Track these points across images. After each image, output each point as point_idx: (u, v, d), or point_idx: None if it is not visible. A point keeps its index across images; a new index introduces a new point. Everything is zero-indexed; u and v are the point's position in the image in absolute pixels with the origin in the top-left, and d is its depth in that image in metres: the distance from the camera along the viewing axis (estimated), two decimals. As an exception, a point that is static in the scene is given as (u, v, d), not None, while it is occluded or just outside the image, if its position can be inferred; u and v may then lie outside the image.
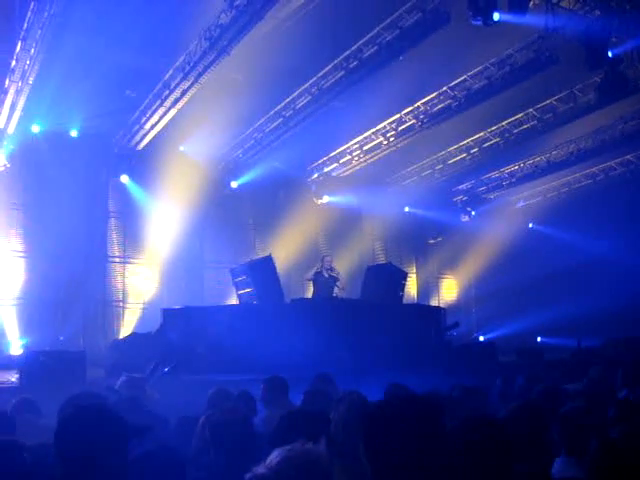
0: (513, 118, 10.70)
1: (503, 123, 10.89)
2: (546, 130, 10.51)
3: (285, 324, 6.94)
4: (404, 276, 9.28)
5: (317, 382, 3.96)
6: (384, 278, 8.82)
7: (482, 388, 3.59)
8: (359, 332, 7.24)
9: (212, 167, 11.58)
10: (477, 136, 11.45)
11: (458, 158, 12.23)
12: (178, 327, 7.43)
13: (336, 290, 8.63)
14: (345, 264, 11.46)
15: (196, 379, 5.84)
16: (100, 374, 6.39)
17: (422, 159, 12.66)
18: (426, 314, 8.59)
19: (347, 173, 12.55)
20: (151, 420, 2.74)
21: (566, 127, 10.38)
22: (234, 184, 11.91)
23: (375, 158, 11.70)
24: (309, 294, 9.18)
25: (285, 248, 11.75)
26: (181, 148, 11.09)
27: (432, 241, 14.49)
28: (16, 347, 9.05)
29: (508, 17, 6.50)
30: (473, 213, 13.97)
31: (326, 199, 12.91)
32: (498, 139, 11.22)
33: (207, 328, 7.22)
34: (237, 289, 8.61)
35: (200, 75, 8.08)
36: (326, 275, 8.63)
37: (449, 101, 9.71)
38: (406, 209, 14.02)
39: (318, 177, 12.85)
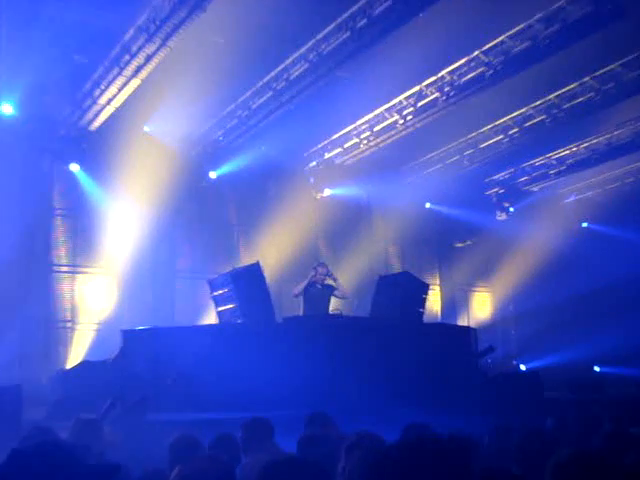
0: (564, 90, 10.47)
1: (550, 96, 10.70)
2: (606, 104, 10.20)
3: (276, 349, 6.99)
4: (425, 289, 9.33)
5: (313, 424, 3.94)
6: (400, 291, 8.86)
7: (524, 431, 3.57)
8: (369, 359, 7.27)
9: (185, 153, 11.67)
10: (517, 113, 11.40)
11: (493, 141, 12.23)
12: (142, 353, 7.47)
13: (335, 301, 8.76)
14: (351, 273, 11.59)
15: (166, 419, 5.87)
16: (41, 414, 6.35)
17: (447, 143, 12.69)
18: (453, 336, 8.61)
19: (354, 160, 12.63)
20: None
21: (632, 100, 10.07)
22: (213, 174, 12.01)
23: (389, 141, 11.74)
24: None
25: (277, 254, 11.84)
26: (146, 129, 11.11)
27: (460, 245, 14.58)
28: None
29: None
30: (511, 210, 14.01)
31: (327, 193, 13.00)
32: (544, 116, 11.08)
33: (179, 354, 7.26)
34: (216, 305, 8.67)
35: (169, 37, 7.95)
36: (319, 286, 8.77)
37: (482, 69, 9.52)
38: (427, 205, 14.12)
39: (318, 165, 12.92)
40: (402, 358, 7.41)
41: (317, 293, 8.75)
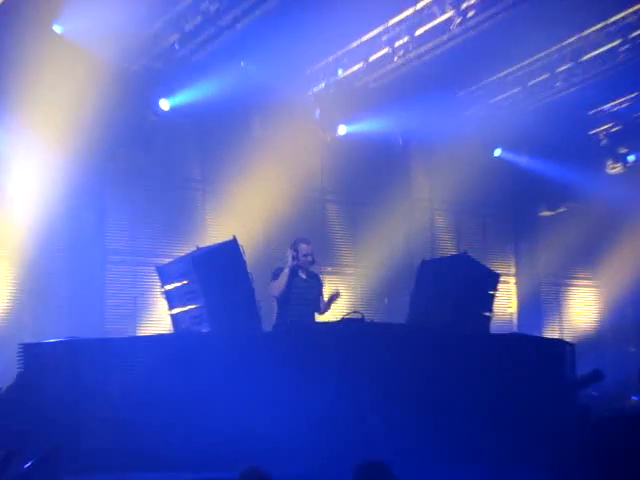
0: None
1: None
2: None
3: (263, 373, 6.90)
4: (494, 281, 9.32)
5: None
6: (454, 284, 8.85)
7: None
8: (406, 387, 7.20)
9: (122, 70, 11.55)
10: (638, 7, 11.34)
11: (603, 49, 12.13)
12: (54, 378, 7.44)
13: (324, 304, 8.95)
14: (378, 257, 11.88)
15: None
16: None
17: (530, 54, 12.69)
18: (536, 354, 8.37)
19: (383, 82, 12.57)
20: None
21: None
22: (165, 104, 12.02)
23: (437, 52, 11.75)
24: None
25: (263, 226, 11.94)
26: (56, 28, 10.88)
27: (548, 214, 14.76)
28: None
29: None
30: (631, 159, 14.14)
31: (342, 131, 13.04)
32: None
33: (112, 381, 7.23)
34: (170, 305, 8.65)
35: None
36: (304, 276, 8.87)
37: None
38: (497, 152, 14.30)
39: (327, 90, 12.91)
40: (456, 388, 7.33)
41: (304, 286, 8.85)
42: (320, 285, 9.04)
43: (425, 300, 8.89)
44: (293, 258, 8.73)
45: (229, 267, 8.40)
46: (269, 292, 8.90)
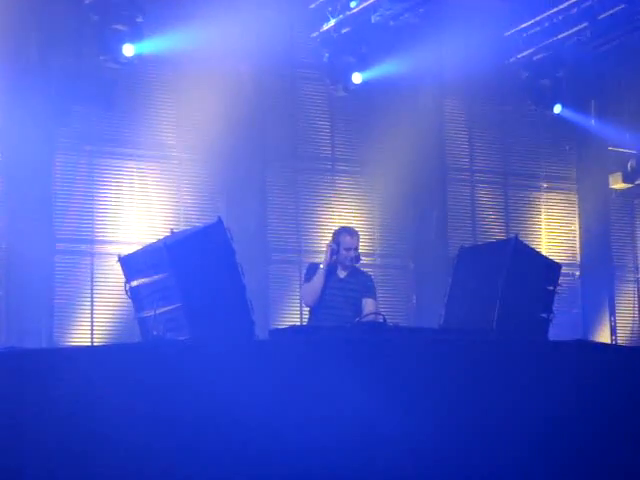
0: None
1: None
2: None
3: (260, 394, 6.60)
4: (553, 272, 9.24)
5: None
6: (502, 276, 8.75)
7: None
8: (440, 415, 7.00)
9: None
10: None
11: None
12: None
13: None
14: (398, 237, 11.94)
15: None
16: None
17: None
18: (616, 369, 8.02)
19: (406, 18, 12.87)
20: None
21: None
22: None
23: None
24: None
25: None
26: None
27: (621, 186, 14.90)
28: None
29: None
30: None
31: (357, 79, 13.08)
32: None
33: (60, 406, 6.63)
34: (137, 306, 8.64)
35: None
36: (342, 274, 8.89)
37: None
38: (557, 109, 14.27)
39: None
40: (511, 414, 7.16)
41: (339, 287, 8.81)
42: (363, 288, 8.86)
43: (464, 298, 8.84)
44: (332, 252, 8.72)
45: (213, 257, 8.34)
46: (301, 299, 9.04)
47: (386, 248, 13.82)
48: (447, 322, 8.80)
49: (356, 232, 9.04)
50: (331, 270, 8.73)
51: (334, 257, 8.72)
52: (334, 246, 8.72)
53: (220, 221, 8.30)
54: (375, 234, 13.80)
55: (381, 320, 8.13)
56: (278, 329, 8.36)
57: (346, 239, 8.82)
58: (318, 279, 8.62)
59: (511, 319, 8.53)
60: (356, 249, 8.83)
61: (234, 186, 13.18)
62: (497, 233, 13.91)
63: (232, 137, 12.86)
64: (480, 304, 8.70)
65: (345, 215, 13.73)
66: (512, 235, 10.66)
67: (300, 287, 8.93)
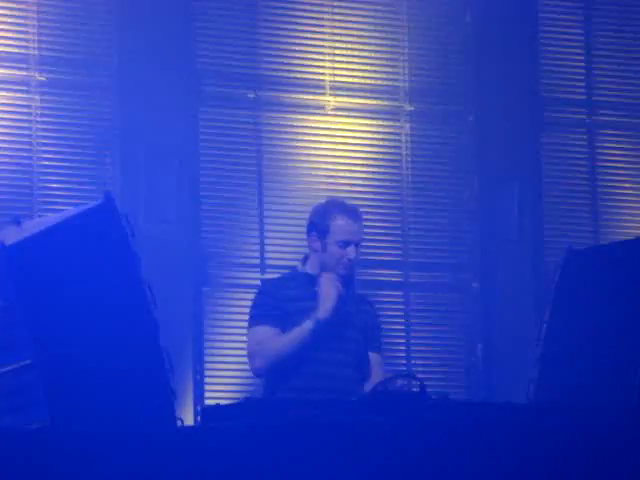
0: None
1: None
2: None
3: None
4: None
5: None
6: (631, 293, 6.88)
7: None
8: None
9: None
10: None
11: None
12: None
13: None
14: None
15: None
16: None
17: None
18: None
19: None
20: None
21: None
22: None
23: None
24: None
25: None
26: None
27: None
28: None
29: None
30: None
31: None
32: None
33: None
34: None
35: None
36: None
37: None
38: None
39: None
40: None
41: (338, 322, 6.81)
42: (372, 328, 6.58)
43: (576, 338, 6.83)
44: (314, 250, 6.42)
45: (96, 268, 6.02)
46: (250, 358, 6.60)
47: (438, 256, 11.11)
48: (545, 386, 6.67)
49: (359, 214, 6.46)
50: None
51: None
52: (316, 241, 6.40)
53: (110, 198, 6.04)
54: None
55: (415, 389, 5.66)
56: (217, 406, 5.81)
57: (342, 226, 6.28)
58: (296, 336, 6.28)
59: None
60: (357, 245, 6.29)
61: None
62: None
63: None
64: (608, 352, 6.54)
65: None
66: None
67: (248, 329, 6.31)
